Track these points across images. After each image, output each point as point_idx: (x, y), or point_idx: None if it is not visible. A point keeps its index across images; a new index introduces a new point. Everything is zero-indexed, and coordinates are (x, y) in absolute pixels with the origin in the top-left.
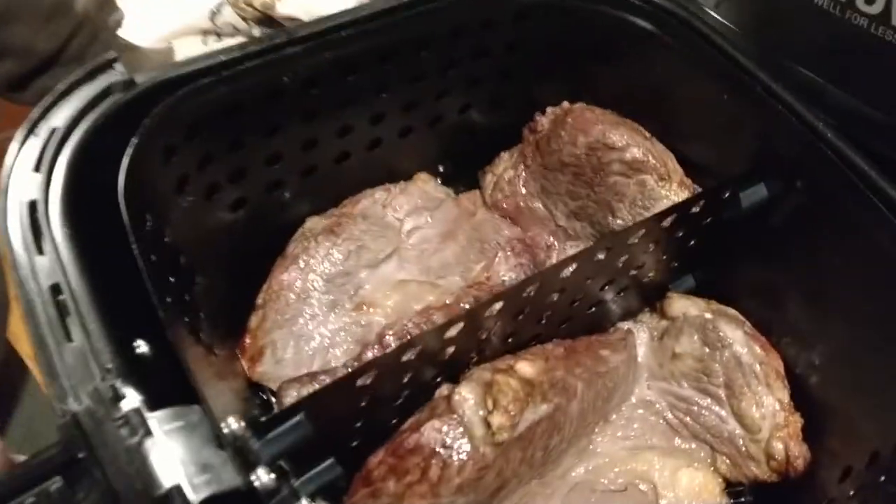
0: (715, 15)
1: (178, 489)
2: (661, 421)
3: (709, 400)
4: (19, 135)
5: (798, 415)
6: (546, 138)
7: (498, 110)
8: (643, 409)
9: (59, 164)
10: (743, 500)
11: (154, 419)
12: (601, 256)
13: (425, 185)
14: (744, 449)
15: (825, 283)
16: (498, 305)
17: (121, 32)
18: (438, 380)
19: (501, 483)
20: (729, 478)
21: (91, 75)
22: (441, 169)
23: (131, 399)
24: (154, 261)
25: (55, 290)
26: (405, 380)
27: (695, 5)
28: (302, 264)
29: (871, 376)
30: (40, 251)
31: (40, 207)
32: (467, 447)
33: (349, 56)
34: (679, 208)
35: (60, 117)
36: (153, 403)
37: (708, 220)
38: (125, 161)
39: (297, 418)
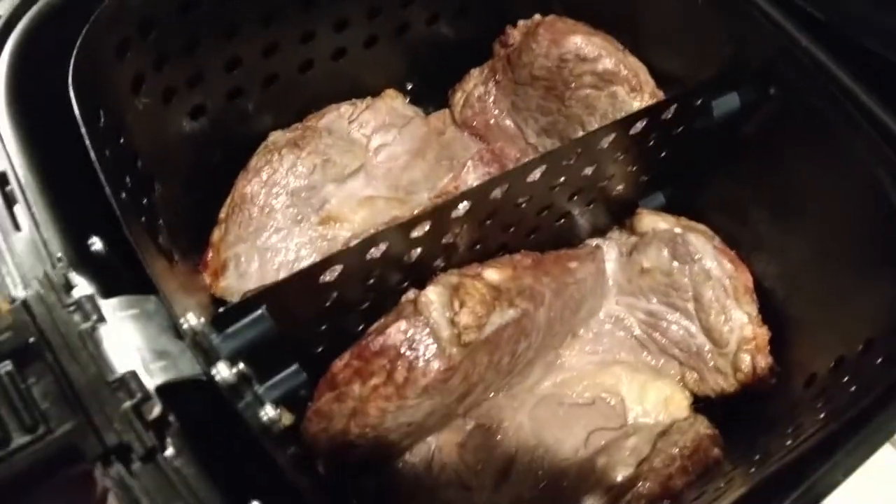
0: None
1: (132, 374)
2: (630, 336)
3: (677, 314)
4: None
5: (766, 328)
6: (517, 52)
7: (467, 22)
8: (611, 324)
9: (4, 52)
10: (710, 412)
11: (108, 306)
12: (570, 161)
13: (393, 102)
14: (711, 363)
15: (794, 194)
16: (464, 205)
17: None
18: (405, 285)
19: (468, 388)
20: (696, 391)
21: None
22: (409, 87)
23: (83, 287)
24: (108, 157)
25: (1, 179)
26: (371, 281)
27: None
28: (265, 177)
29: (835, 284)
30: None
31: None
32: (434, 348)
33: None
34: (650, 111)
35: (4, 4)
36: (107, 292)
37: (679, 129)
38: (75, 52)
39: (257, 312)
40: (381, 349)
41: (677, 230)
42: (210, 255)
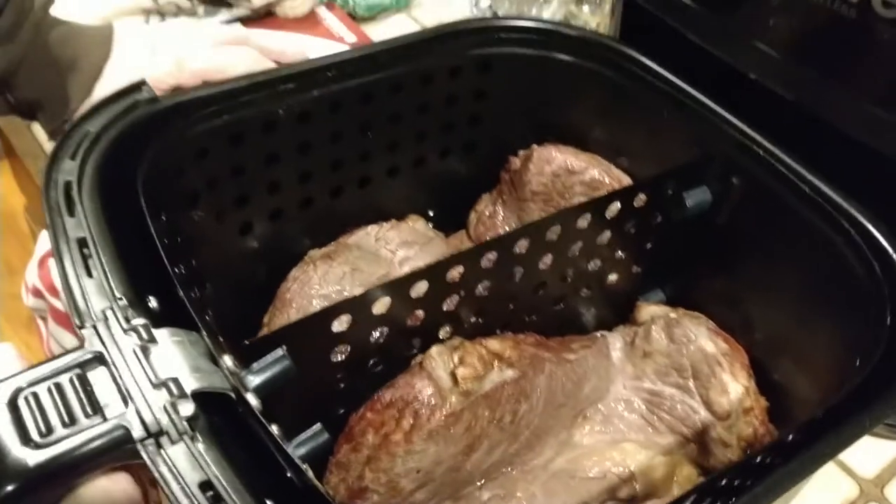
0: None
1: (174, 379)
2: (639, 417)
3: (680, 392)
4: (61, 135)
5: (763, 398)
6: (518, 174)
7: (474, 155)
8: (620, 406)
9: (91, 158)
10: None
11: (159, 333)
12: (553, 237)
13: (415, 224)
14: (715, 435)
15: (770, 272)
16: (458, 269)
17: (57, 10)
18: (414, 352)
19: (472, 441)
20: (704, 464)
21: (123, 93)
22: (431, 214)
23: (139, 320)
24: (167, 244)
25: (81, 242)
26: (379, 338)
27: (624, 44)
28: (301, 284)
29: (814, 346)
30: (71, 214)
31: (74, 187)
32: (436, 397)
33: (333, 94)
34: (621, 192)
35: (94, 124)
36: (158, 325)
37: (657, 219)
38: (142, 169)
39: (279, 353)
40: (391, 401)
41: (672, 315)
42: None
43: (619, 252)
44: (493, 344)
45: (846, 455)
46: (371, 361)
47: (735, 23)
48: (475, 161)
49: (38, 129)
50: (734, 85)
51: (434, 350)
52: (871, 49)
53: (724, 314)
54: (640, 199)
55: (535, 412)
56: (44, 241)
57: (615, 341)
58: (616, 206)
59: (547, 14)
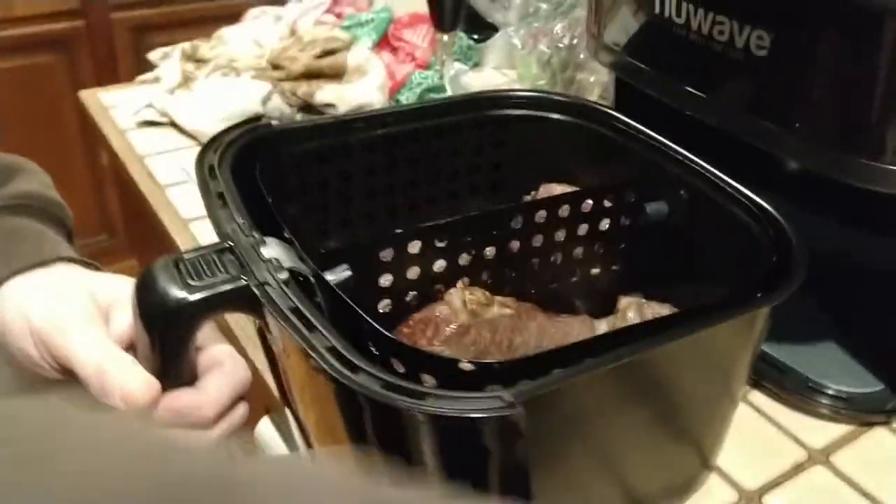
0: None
1: (276, 259)
2: None
3: None
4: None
5: None
6: None
7: (496, 194)
8: None
9: (228, 153)
10: None
11: (267, 238)
12: (542, 220)
13: None
14: None
15: (713, 258)
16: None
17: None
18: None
19: (478, 353)
20: None
21: (251, 120)
22: None
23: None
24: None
25: (220, 195)
26: (413, 276)
27: (601, 104)
28: None
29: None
30: (213, 178)
31: (216, 167)
32: (451, 315)
33: (391, 134)
34: (591, 191)
35: (229, 136)
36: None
37: (626, 221)
38: (257, 168)
39: (344, 266)
40: (420, 319)
41: (643, 300)
42: None
43: (598, 247)
44: (498, 297)
45: (798, 429)
46: (409, 295)
47: (675, 76)
48: (497, 200)
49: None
50: (678, 123)
51: (452, 289)
52: (755, 79)
53: (683, 301)
54: (609, 199)
55: (527, 346)
56: None
57: (599, 324)
58: (588, 202)
59: None
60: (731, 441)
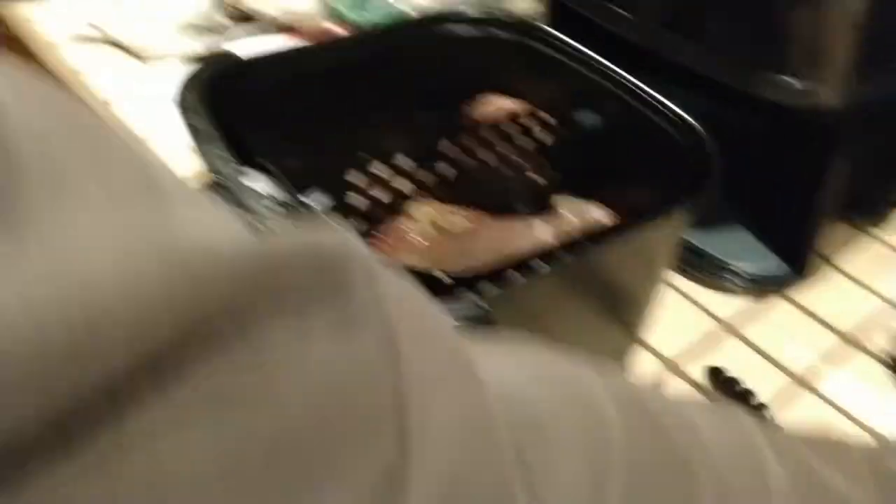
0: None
1: (258, 189)
2: None
3: None
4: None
5: None
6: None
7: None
8: None
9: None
10: None
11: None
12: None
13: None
14: None
15: (637, 163)
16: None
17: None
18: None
19: (442, 261)
20: None
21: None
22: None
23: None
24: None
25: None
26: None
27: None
28: None
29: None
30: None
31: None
32: (415, 227)
33: (345, 59)
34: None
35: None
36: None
37: (563, 132)
38: (226, 97)
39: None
40: (392, 232)
41: (575, 200)
42: None
43: (537, 154)
44: (451, 207)
45: (711, 304)
46: (376, 211)
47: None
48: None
49: None
50: (611, 41)
51: (414, 203)
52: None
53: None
54: (547, 112)
55: (486, 251)
56: None
57: (537, 221)
58: (530, 115)
59: None
60: (654, 318)
